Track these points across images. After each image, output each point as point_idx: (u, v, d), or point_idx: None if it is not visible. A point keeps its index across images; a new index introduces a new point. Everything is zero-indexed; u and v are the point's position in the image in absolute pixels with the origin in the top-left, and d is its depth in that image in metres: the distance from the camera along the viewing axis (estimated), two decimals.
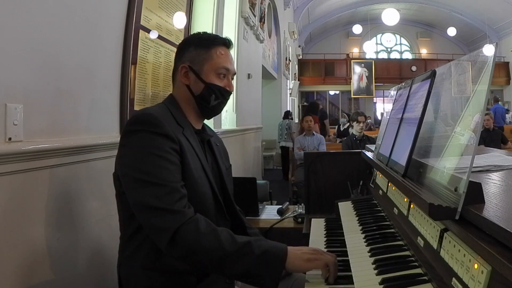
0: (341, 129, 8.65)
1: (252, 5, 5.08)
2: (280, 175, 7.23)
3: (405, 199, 1.01)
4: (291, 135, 6.83)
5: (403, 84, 1.34)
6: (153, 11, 2.00)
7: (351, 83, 14.28)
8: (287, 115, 7.49)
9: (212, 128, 1.40)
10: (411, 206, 0.96)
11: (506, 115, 10.05)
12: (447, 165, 0.76)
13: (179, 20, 2.33)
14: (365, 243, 1.04)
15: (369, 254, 0.96)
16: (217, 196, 1.16)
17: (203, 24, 3.37)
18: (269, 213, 2.19)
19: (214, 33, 2.79)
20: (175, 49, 1.28)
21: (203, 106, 1.19)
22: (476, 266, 0.60)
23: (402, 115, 1.18)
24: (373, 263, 0.90)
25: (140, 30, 1.86)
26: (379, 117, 13.74)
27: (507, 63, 13.70)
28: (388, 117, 1.46)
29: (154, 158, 1.00)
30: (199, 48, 1.17)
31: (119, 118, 1.69)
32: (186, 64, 1.17)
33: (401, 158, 1.05)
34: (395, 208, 1.10)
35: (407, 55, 16.13)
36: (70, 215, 1.35)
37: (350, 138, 4.35)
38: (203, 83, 1.16)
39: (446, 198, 0.71)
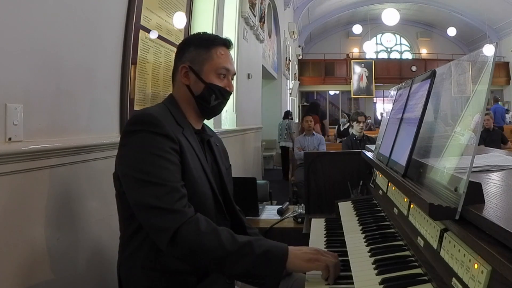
0: (341, 129, 8.63)
1: (252, 5, 5.08)
2: (280, 175, 7.23)
3: (405, 199, 1.01)
4: (291, 135, 6.83)
5: (403, 84, 1.34)
6: (153, 11, 2.00)
7: (351, 83, 14.28)
8: (287, 115, 7.50)
9: (212, 128, 1.40)
10: (411, 206, 0.96)
11: (506, 115, 10.05)
12: (447, 165, 0.76)
13: (179, 20, 2.32)
14: (365, 243, 1.04)
15: (369, 254, 0.96)
16: (217, 196, 1.15)
17: (203, 24, 3.37)
18: (269, 213, 2.19)
19: (214, 33, 2.79)
20: (175, 49, 1.28)
21: (203, 106, 1.19)
22: (476, 266, 0.60)
23: (402, 115, 1.18)
24: (373, 263, 0.90)
25: (140, 30, 1.86)
26: (379, 117, 13.74)
27: (507, 63, 13.71)
28: (388, 117, 1.46)
29: (154, 158, 1.00)
30: (199, 48, 1.17)
31: (119, 118, 1.69)
32: (186, 64, 1.17)
33: (401, 158, 1.05)
34: (395, 208, 1.10)
35: (407, 55, 16.13)
36: (70, 215, 1.35)
37: (350, 138, 4.35)
38: (203, 83, 1.16)
39: (446, 198, 0.71)
